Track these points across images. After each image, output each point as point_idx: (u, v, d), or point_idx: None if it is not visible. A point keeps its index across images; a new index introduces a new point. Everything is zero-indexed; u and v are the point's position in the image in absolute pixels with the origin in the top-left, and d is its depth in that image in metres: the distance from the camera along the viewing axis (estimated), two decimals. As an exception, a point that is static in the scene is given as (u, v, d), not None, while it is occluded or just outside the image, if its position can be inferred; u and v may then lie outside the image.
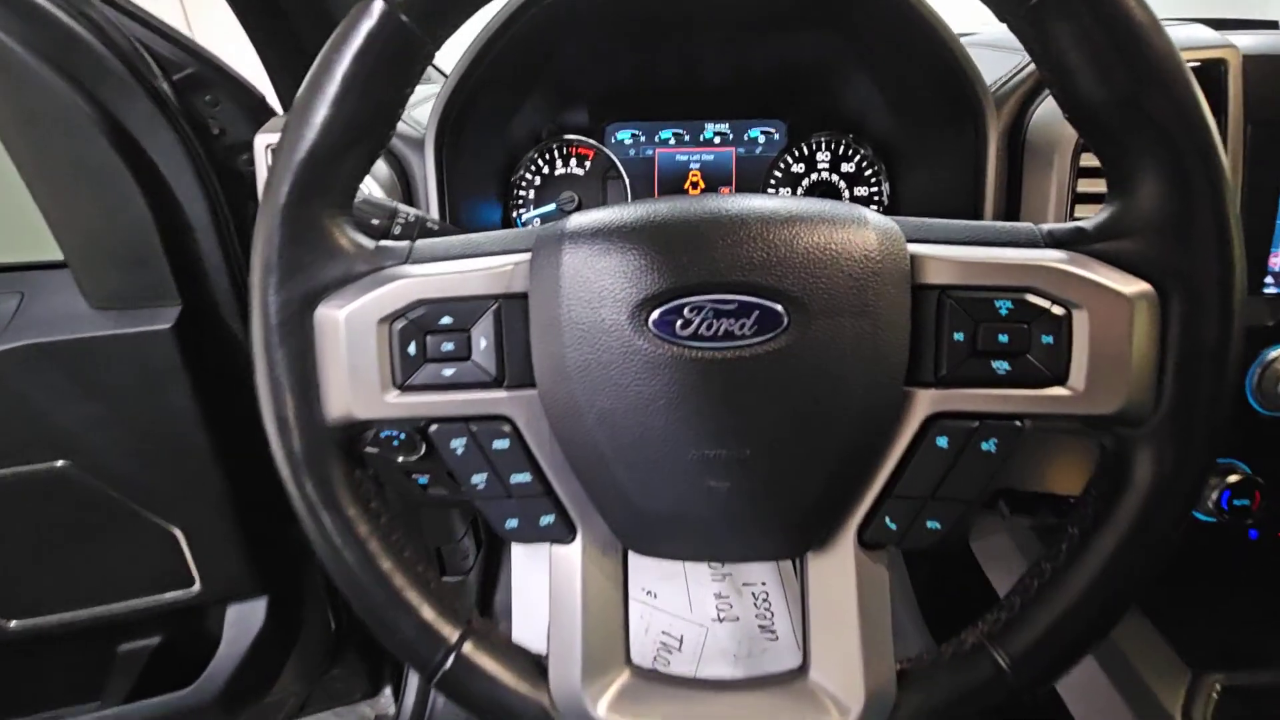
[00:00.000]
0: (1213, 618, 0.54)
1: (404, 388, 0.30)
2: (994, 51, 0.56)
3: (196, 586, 0.79)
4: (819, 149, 0.62)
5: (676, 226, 0.28)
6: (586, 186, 0.63)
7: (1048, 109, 0.49)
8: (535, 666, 0.32)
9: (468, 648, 0.31)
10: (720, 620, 1.02)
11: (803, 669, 0.31)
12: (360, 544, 0.30)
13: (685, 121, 0.64)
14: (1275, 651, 0.50)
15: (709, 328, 0.27)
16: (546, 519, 0.31)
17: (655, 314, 0.27)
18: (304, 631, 0.91)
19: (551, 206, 0.63)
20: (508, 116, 0.57)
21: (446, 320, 0.30)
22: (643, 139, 0.63)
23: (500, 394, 0.30)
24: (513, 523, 0.31)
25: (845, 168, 0.62)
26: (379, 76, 0.28)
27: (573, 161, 0.63)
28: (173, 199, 0.65)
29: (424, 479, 0.71)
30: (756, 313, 0.27)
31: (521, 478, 0.31)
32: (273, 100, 0.69)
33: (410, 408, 0.30)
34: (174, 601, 0.79)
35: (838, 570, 0.31)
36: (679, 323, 0.27)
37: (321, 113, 0.27)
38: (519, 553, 1.08)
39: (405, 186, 0.53)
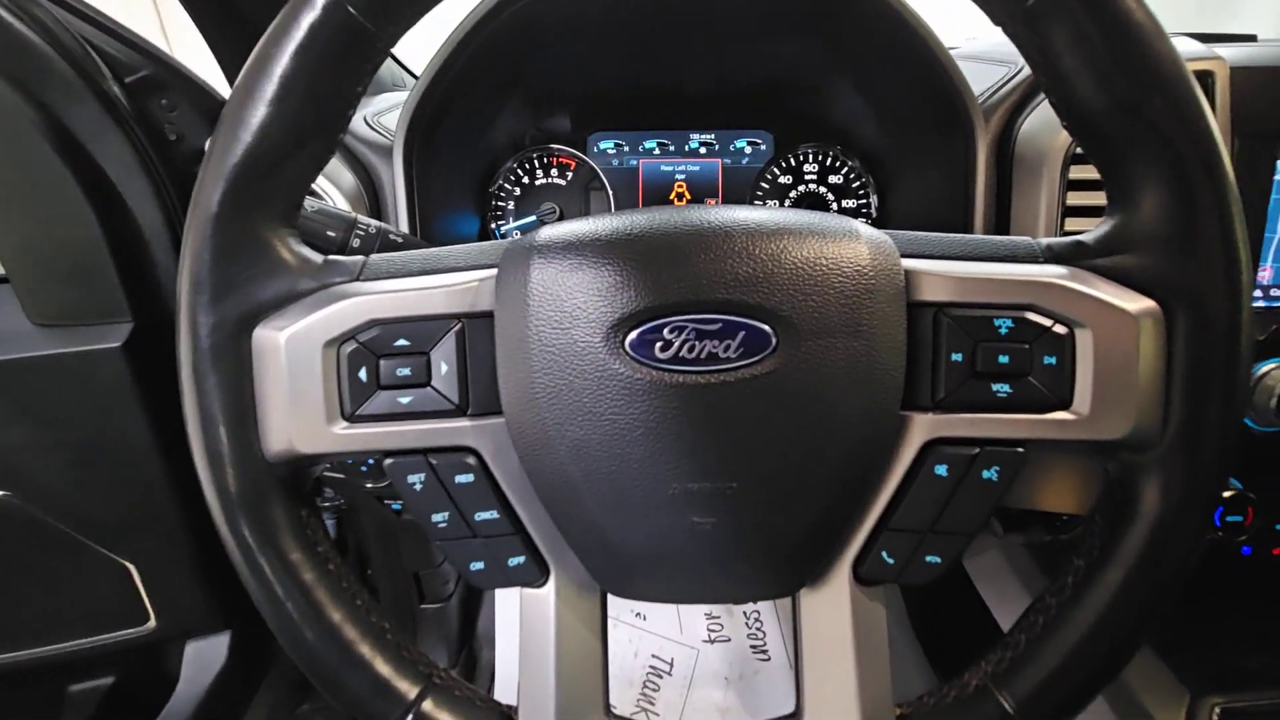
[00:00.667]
0: (1209, 638, 0.53)
1: (354, 418, 0.27)
2: (979, 64, 0.55)
3: (152, 623, 0.74)
4: (806, 160, 0.61)
5: (656, 239, 0.26)
6: (568, 197, 0.61)
7: (1036, 120, 0.48)
8: (505, 717, 0.29)
9: (428, 705, 0.28)
10: (711, 642, 1.00)
11: (796, 714, 0.29)
12: (305, 592, 0.27)
13: (670, 131, 0.62)
14: (1273, 673, 0.50)
15: (691, 350, 0.25)
16: (516, 560, 0.29)
17: (632, 335, 0.25)
18: (272, 667, 0.86)
19: (532, 218, 0.61)
20: (484, 123, 0.55)
21: (403, 342, 0.27)
22: (626, 149, 0.61)
23: (463, 423, 0.28)
24: (478, 565, 0.29)
25: (833, 179, 0.61)
26: (324, 74, 0.25)
27: (554, 171, 0.61)
28: (124, 208, 0.61)
29: (398, 504, 0.68)
30: (742, 333, 0.25)
31: (488, 515, 0.28)
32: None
33: (361, 440, 0.27)
34: (128, 639, 0.73)
35: (832, 608, 0.29)
36: (658, 344, 0.25)
37: (258, 113, 0.25)
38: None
39: (373, 198, 0.50)
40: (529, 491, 0.28)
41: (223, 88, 0.66)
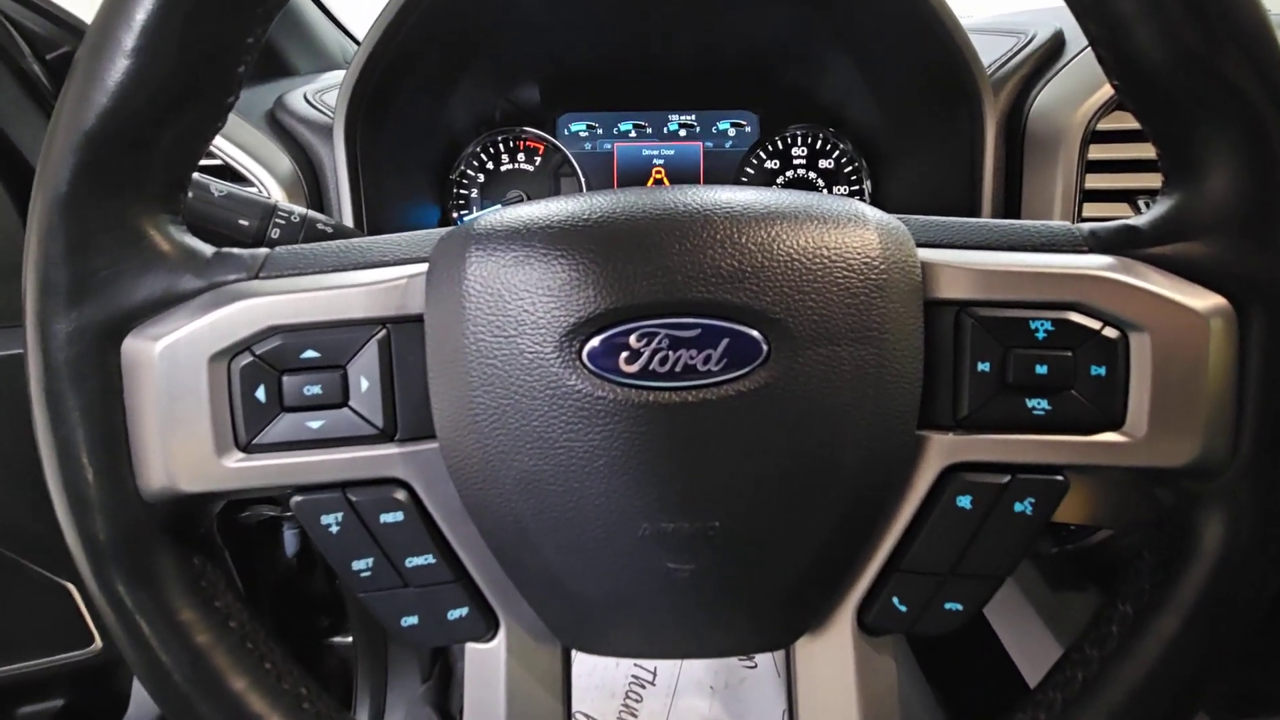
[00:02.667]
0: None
1: (250, 448, 0.22)
2: (986, 36, 0.51)
3: (97, 644, 0.69)
4: (795, 142, 0.56)
5: (620, 226, 0.21)
6: (537, 183, 0.56)
7: (1051, 94, 0.43)
8: None
9: None
10: (696, 651, 0.95)
11: None
12: (198, 658, 0.22)
13: (647, 112, 0.57)
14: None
15: (664, 362, 0.21)
16: (457, 612, 0.24)
17: (592, 343, 0.21)
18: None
19: (496, 207, 0.55)
20: (439, 98, 0.50)
21: (311, 354, 0.22)
22: (600, 131, 0.56)
23: (389, 450, 0.23)
24: (411, 620, 0.24)
25: (824, 163, 0.56)
26: (201, 15, 0.20)
27: (521, 156, 0.56)
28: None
29: None
30: (726, 341, 0.21)
31: (421, 560, 0.24)
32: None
33: (261, 475, 0.22)
34: (74, 662, 0.68)
35: (834, 661, 0.25)
36: (624, 355, 0.21)
37: (116, 67, 0.20)
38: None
39: (314, 186, 0.45)
40: (471, 531, 0.24)
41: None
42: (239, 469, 0.22)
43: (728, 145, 0.57)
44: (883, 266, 0.21)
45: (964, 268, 0.22)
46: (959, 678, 0.73)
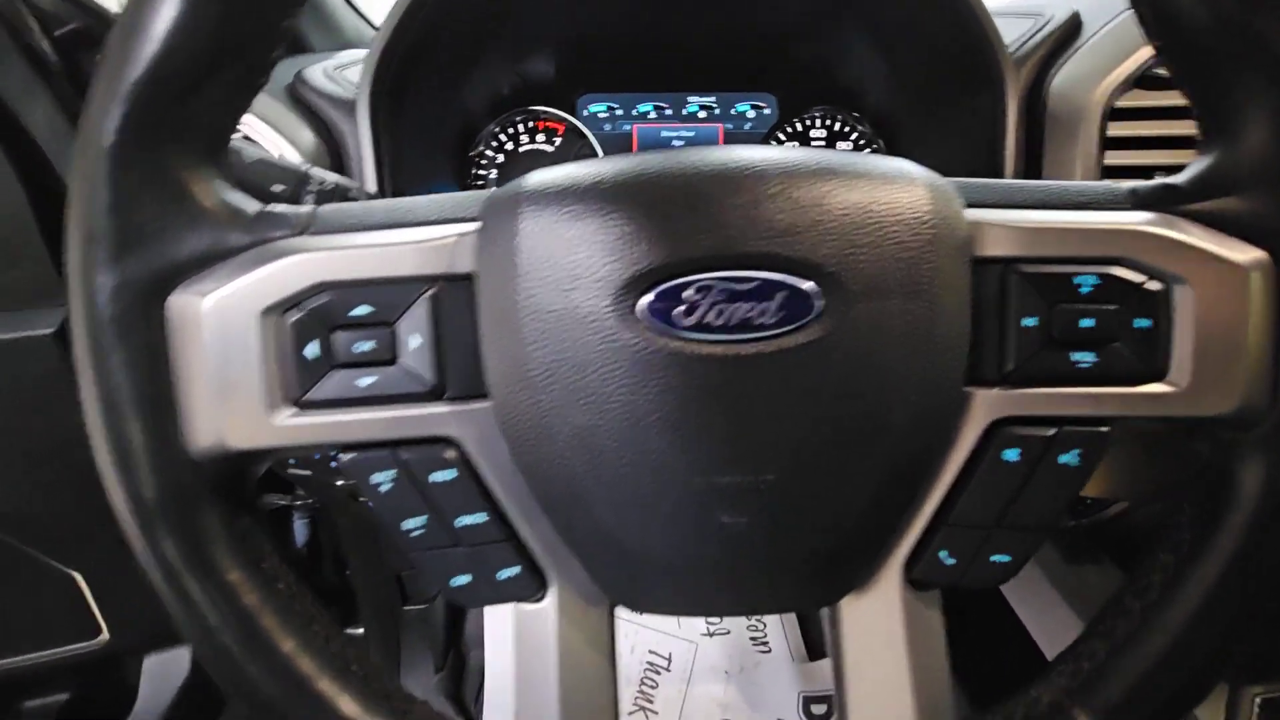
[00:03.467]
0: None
1: (299, 405, 0.22)
2: (1002, 19, 0.51)
3: (104, 636, 0.68)
4: (814, 124, 0.57)
5: (674, 181, 0.22)
6: (556, 164, 0.56)
7: (1070, 73, 0.44)
8: None
9: None
10: (710, 635, 0.96)
11: None
12: (247, 619, 0.22)
13: (666, 93, 0.57)
14: (1320, 663, 0.47)
15: (719, 315, 0.21)
16: (508, 572, 0.24)
17: (648, 297, 0.21)
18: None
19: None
20: (459, 78, 0.49)
21: (363, 310, 0.22)
22: (619, 112, 0.56)
23: (440, 409, 0.23)
24: (462, 579, 0.24)
25: (842, 145, 0.56)
26: None
27: (540, 136, 0.56)
28: (54, 179, 0.55)
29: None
30: (782, 294, 0.21)
31: (473, 519, 0.23)
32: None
33: (312, 432, 0.22)
34: (81, 654, 0.67)
35: (881, 617, 0.26)
36: (680, 309, 0.21)
37: (165, 17, 0.19)
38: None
39: (336, 161, 0.44)
40: (522, 490, 0.24)
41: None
42: (289, 427, 0.22)
43: (747, 127, 0.58)
44: (932, 222, 0.22)
45: (1010, 225, 0.23)
46: (975, 653, 0.74)
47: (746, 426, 0.22)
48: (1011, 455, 0.23)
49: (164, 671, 0.72)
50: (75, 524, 0.62)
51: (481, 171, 0.56)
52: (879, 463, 0.23)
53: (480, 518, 0.23)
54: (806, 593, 0.26)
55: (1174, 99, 0.40)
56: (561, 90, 0.57)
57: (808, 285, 0.21)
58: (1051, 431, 0.23)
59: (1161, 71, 0.41)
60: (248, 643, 0.22)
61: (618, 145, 0.57)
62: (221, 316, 0.21)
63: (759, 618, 0.93)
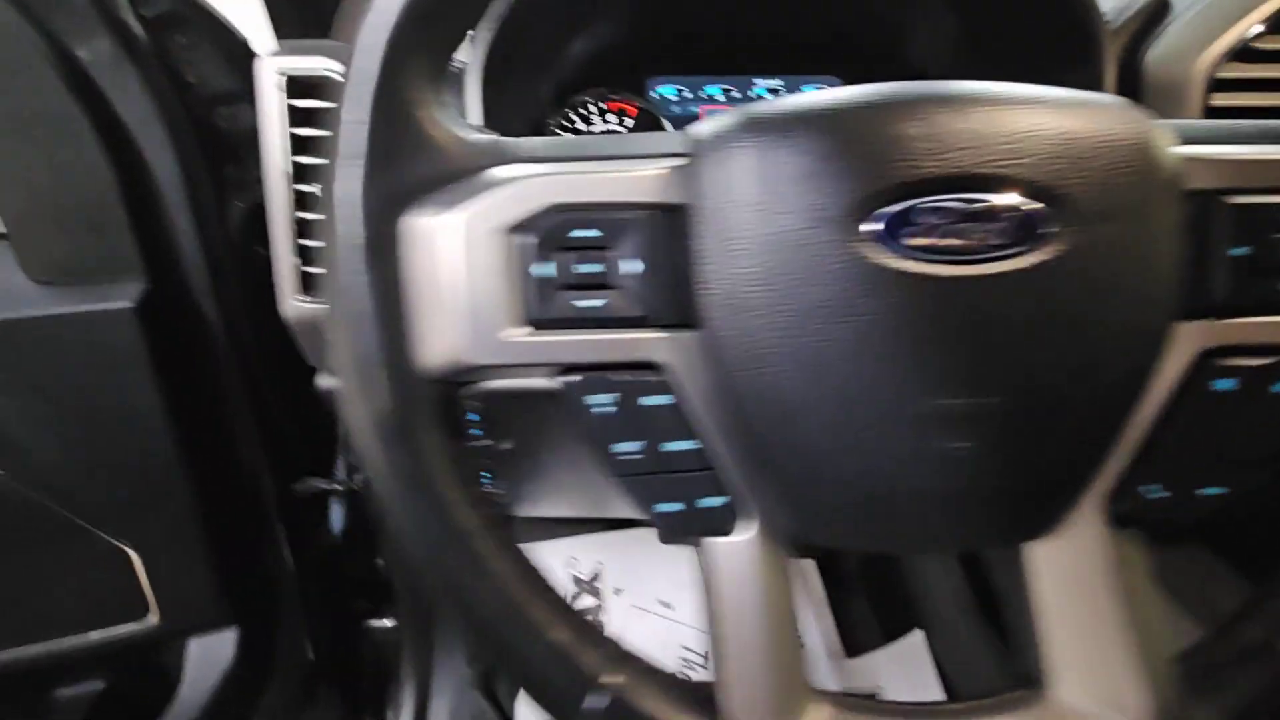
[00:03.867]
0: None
1: (529, 324, 0.23)
2: None
3: (154, 618, 0.67)
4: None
5: (898, 108, 0.22)
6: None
7: (1167, 45, 0.44)
8: (703, 701, 0.25)
9: (612, 679, 0.24)
10: (742, 632, 0.95)
11: (1036, 684, 0.25)
12: (465, 539, 0.23)
13: (732, 76, 0.58)
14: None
15: (948, 236, 0.21)
16: (710, 501, 0.24)
17: (877, 220, 0.21)
18: (277, 667, 0.80)
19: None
20: (547, 57, 0.51)
21: (587, 233, 0.23)
22: (688, 95, 0.58)
23: (652, 334, 0.23)
24: (669, 507, 0.24)
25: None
26: None
27: (611, 117, 0.57)
28: (138, 155, 0.56)
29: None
30: (1010, 217, 0.21)
31: (681, 446, 0.24)
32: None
33: (541, 351, 0.23)
34: (127, 636, 0.67)
35: (1084, 553, 0.25)
36: (909, 230, 0.21)
37: None
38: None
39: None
40: (726, 418, 0.24)
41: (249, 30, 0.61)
42: (519, 344, 0.23)
43: (812, 112, 0.59)
44: (1147, 151, 0.22)
45: (1219, 157, 0.23)
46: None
47: (973, 348, 0.22)
48: (1224, 385, 0.23)
49: (208, 656, 0.72)
50: (135, 500, 0.62)
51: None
52: (1094, 389, 0.23)
53: (687, 444, 0.24)
54: (1014, 527, 0.25)
55: (1274, 71, 0.41)
56: (631, 72, 0.58)
57: (1036, 208, 0.21)
58: (1267, 361, 0.23)
59: (1261, 45, 0.42)
60: (466, 561, 0.23)
61: (687, 129, 0.58)
62: (461, 235, 0.22)
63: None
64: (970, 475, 0.23)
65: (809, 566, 0.99)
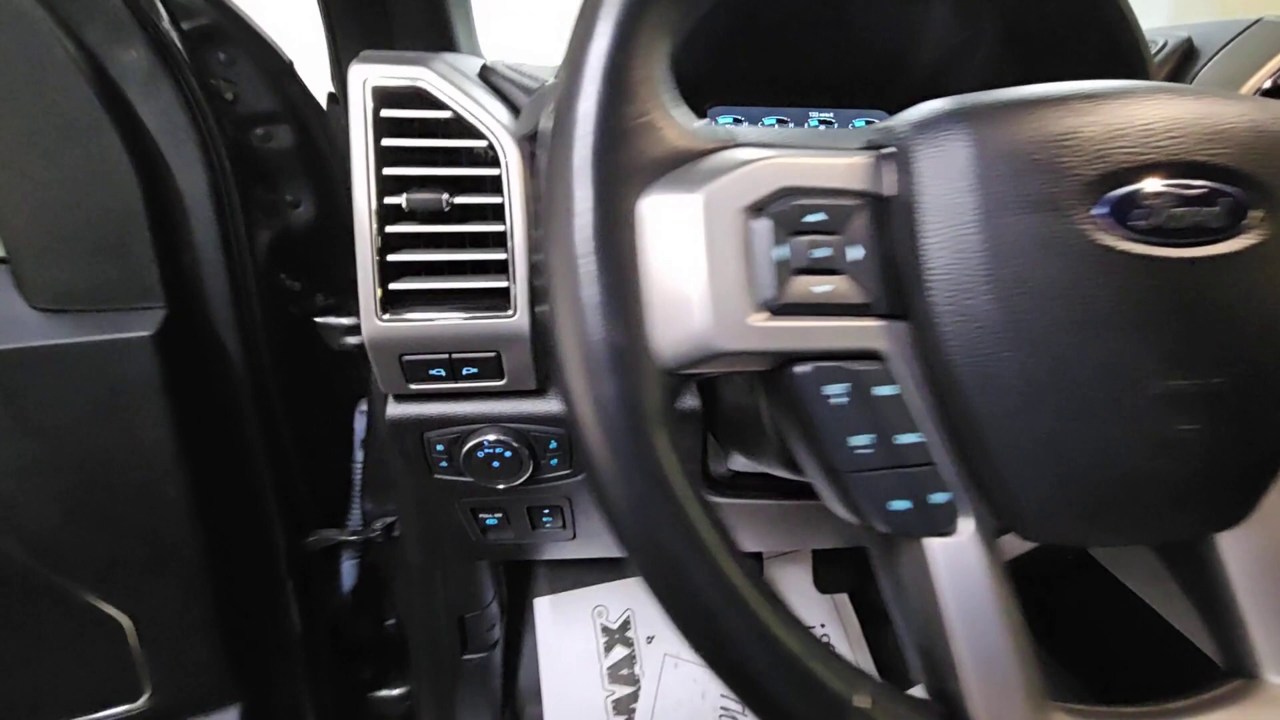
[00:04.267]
0: None
1: (774, 309, 0.21)
2: None
3: (144, 697, 0.58)
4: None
5: (1112, 95, 0.22)
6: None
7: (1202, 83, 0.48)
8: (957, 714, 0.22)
9: (861, 703, 0.21)
10: (782, 677, 0.90)
11: (1248, 674, 0.24)
12: (692, 532, 0.20)
13: (787, 109, 0.59)
14: None
15: (1174, 220, 0.21)
16: (939, 497, 0.23)
17: (1104, 203, 0.21)
18: (278, 746, 0.70)
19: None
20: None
21: (817, 217, 0.22)
22: (745, 124, 0.58)
23: (874, 323, 0.23)
24: (901, 504, 0.22)
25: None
26: None
27: (676, 142, 0.57)
28: (165, 172, 0.52)
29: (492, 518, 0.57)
30: (1226, 201, 0.22)
31: (909, 439, 0.22)
32: (311, 62, 0.58)
33: (778, 337, 0.22)
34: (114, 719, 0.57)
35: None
36: (1137, 212, 0.21)
37: None
38: (546, 619, 0.92)
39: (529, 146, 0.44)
40: (942, 410, 0.23)
41: (289, 46, 0.58)
42: (763, 330, 0.21)
43: (863, 142, 0.60)
44: None
45: None
46: (1102, 658, 0.72)
47: (1199, 328, 0.22)
48: None
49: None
50: (135, 559, 0.54)
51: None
52: None
53: (916, 437, 0.22)
54: (1228, 510, 0.25)
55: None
56: (693, 98, 0.58)
57: (1245, 193, 0.22)
58: None
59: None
60: (710, 579, 0.20)
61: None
62: (700, 216, 0.21)
63: (825, 634, 0.89)
64: (1198, 458, 0.23)
65: (842, 600, 0.96)
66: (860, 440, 0.22)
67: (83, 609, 0.55)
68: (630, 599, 0.91)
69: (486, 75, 0.44)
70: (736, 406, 0.38)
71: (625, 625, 0.89)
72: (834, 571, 0.95)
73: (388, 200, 0.39)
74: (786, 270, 0.22)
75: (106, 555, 0.55)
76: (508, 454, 0.44)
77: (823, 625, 0.93)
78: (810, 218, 0.22)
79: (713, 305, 0.21)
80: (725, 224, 0.21)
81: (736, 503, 0.53)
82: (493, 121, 0.40)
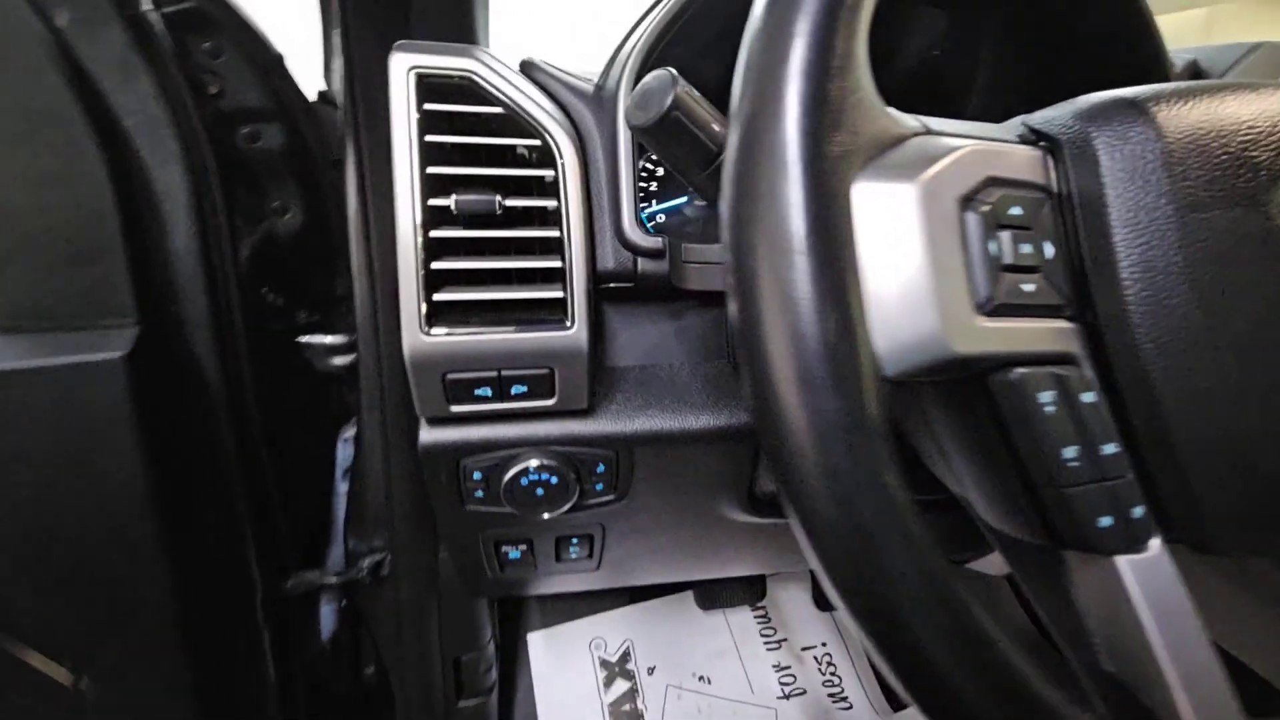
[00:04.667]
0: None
1: (986, 309, 0.20)
2: None
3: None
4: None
5: (1268, 91, 0.22)
6: (708, 184, 0.55)
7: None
8: None
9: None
10: (787, 698, 0.89)
11: None
12: (911, 539, 0.18)
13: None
14: None
15: None
16: (1138, 511, 0.21)
17: None
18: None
19: (682, 200, 0.54)
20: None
21: (1016, 211, 0.21)
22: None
23: (1065, 325, 0.21)
24: (1107, 520, 0.21)
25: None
26: None
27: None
28: (142, 171, 0.46)
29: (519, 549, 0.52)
30: None
31: (1111, 449, 0.21)
32: (300, 56, 0.53)
33: (997, 340, 0.20)
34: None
35: None
36: None
37: None
38: (541, 655, 0.86)
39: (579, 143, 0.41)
40: (1133, 417, 0.21)
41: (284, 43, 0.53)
42: (988, 331, 0.19)
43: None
44: None
45: None
46: None
47: None
48: None
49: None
50: (98, 612, 0.46)
51: (642, 184, 0.54)
52: None
53: (1116, 447, 0.21)
54: None
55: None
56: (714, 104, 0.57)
57: None
58: None
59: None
60: (947, 616, 0.18)
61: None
62: (916, 205, 0.19)
63: (833, 672, 0.88)
64: None
65: (843, 618, 0.95)
66: (1070, 452, 0.20)
67: (27, 673, 0.47)
68: (629, 628, 0.87)
69: (529, 72, 0.42)
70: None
71: (625, 657, 0.85)
72: (834, 588, 0.94)
73: (433, 202, 0.35)
74: (996, 267, 0.20)
75: (61, 609, 0.47)
76: (553, 480, 0.41)
77: (824, 644, 0.92)
78: (1013, 210, 0.20)
79: (938, 305, 0.19)
80: (943, 216, 0.19)
81: (779, 522, 0.51)
82: (547, 119, 0.37)
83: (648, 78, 0.27)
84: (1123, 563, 0.21)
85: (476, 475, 0.41)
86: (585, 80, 0.43)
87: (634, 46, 0.41)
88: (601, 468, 0.42)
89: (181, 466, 0.50)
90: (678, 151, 0.27)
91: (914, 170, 0.19)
